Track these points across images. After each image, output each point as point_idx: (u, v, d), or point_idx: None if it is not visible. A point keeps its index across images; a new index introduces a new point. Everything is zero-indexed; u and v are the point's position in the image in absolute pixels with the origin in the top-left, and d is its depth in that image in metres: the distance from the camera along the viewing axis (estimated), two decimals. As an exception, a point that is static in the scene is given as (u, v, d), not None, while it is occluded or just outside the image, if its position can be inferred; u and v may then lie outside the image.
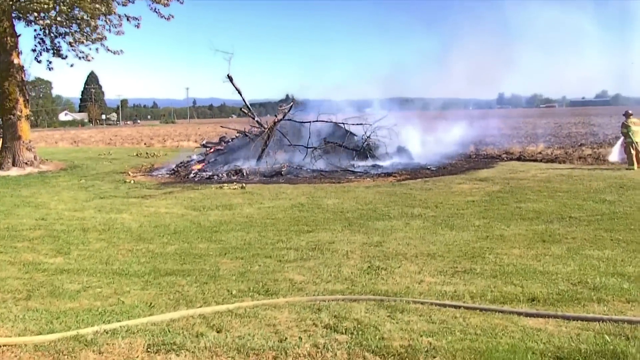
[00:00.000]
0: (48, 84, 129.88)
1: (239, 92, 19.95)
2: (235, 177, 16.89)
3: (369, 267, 7.00)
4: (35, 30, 22.59)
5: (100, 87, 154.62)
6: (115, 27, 20.63)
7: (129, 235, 9.35)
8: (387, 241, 8.44)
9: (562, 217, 9.99)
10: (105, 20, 20.87)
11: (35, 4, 16.70)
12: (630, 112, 18.27)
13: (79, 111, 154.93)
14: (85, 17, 20.01)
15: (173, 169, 19.10)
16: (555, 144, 27.56)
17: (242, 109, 20.86)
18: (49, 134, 67.72)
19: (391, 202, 12.10)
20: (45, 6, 16.85)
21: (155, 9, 20.21)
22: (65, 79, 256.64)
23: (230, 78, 19.14)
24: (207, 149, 21.35)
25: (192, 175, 17.67)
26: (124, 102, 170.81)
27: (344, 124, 19.50)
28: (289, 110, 19.37)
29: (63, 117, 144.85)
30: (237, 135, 21.08)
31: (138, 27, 20.90)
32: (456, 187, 14.07)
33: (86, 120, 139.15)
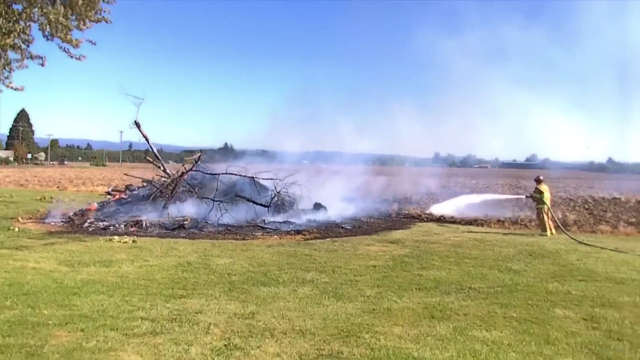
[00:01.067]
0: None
1: (146, 139, 18.89)
2: (133, 229, 15.62)
3: (225, 345, 6.05)
4: None
5: (30, 125, 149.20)
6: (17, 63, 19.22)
7: (-34, 295, 8.03)
8: (261, 312, 7.50)
9: (461, 287, 9.34)
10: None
11: None
12: (541, 177, 18.28)
13: (5, 149, 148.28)
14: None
15: (69, 217, 17.61)
16: (480, 207, 27.48)
17: (147, 157, 19.77)
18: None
19: (287, 264, 11.19)
20: None
21: (65, 48, 19.01)
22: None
23: (137, 124, 18.09)
24: (111, 196, 20.02)
25: (87, 224, 16.27)
26: (54, 142, 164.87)
27: (253, 177, 18.61)
28: (196, 161, 18.41)
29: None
30: (144, 184, 19.88)
31: (43, 65, 19.59)
32: (363, 249, 13.33)
33: (11, 159, 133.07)
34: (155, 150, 19.67)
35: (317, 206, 20.17)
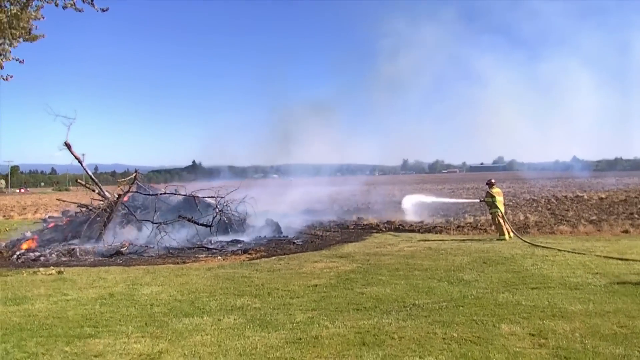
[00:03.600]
0: None
1: (79, 161, 17.80)
2: (65, 259, 14.54)
3: (111, 399, 5.12)
4: None
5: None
6: None
7: None
8: (171, 350, 6.60)
9: (404, 305, 8.58)
10: None
11: None
12: (493, 180, 17.75)
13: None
14: None
15: (-1, 249, 16.39)
16: (441, 212, 26.92)
17: (78, 180, 18.71)
18: None
19: (221, 289, 10.28)
20: None
21: None
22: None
23: (67, 145, 17.02)
24: (47, 224, 18.84)
25: (15, 256, 15.08)
26: (14, 168, 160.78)
27: (194, 196, 17.63)
28: (132, 183, 17.39)
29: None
30: (81, 209, 18.73)
31: None
32: (308, 267, 12.49)
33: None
34: (89, 172, 18.59)
35: (269, 222, 19.29)
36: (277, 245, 16.40)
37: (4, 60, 17.84)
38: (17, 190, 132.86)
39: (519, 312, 7.89)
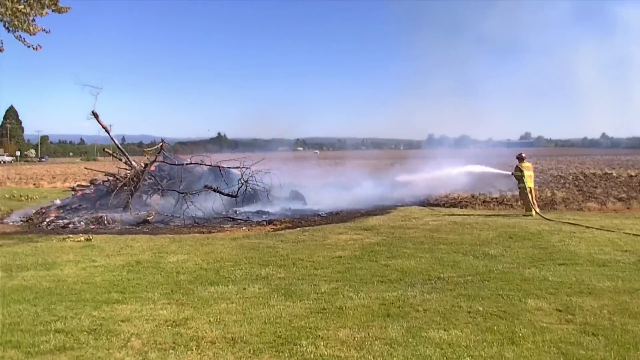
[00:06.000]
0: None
1: (107, 130, 17.99)
2: (93, 226, 14.78)
3: (137, 362, 5.21)
4: None
5: (19, 122, 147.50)
6: None
7: None
8: (196, 317, 6.67)
9: (429, 278, 8.53)
10: None
11: None
12: (523, 154, 17.40)
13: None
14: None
15: (29, 216, 16.71)
16: (468, 186, 26.58)
17: (105, 149, 18.93)
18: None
19: (246, 258, 10.36)
20: None
21: (20, 37, 18.10)
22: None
23: (95, 115, 17.16)
24: (75, 192, 19.12)
25: (45, 223, 15.39)
26: (44, 138, 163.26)
27: (219, 167, 17.70)
28: (159, 152, 17.51)
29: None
30: (108, 178, 18.95)
31: (1, 50, 18.66)
32: (333, 238, 12.50)
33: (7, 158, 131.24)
34: (116, 142, 18.80)
35: (295, 194, 19.32)
36: (302, 217, 16.43)
37: (32, 31, 18.03)
38: (44, 159, 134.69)
39: (545, 288, 7.79)
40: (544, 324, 6.18)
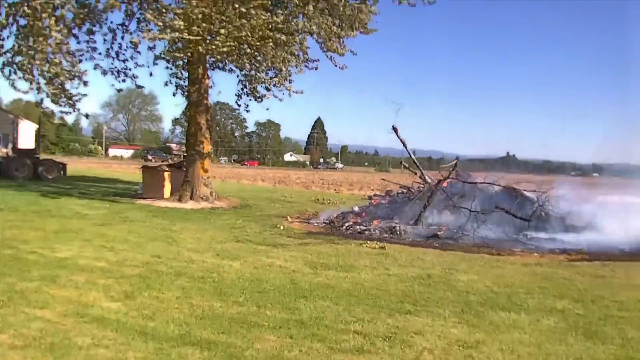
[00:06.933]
0: (277, 126, 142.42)
1: (404, 145, 18.79)
2: (387, 235, 15.61)
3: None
4: (237, 76, 24.30)
5: (324, 132, 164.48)
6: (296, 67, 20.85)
7: (213, 287, 8.68)
8: (488, 342, 6.58)
9: None
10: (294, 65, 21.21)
11: (215, 49, 17.49)
12: None
13: (304, 153, 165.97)
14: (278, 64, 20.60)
15: (331, 219, 18.44)
16: None
17: (402, 162, 19.68)
18: (260, 173, 73.51)
19: (539, 287, 9.83)
20: (226, 49, 17.52)
21: (330, 57, 20.26)
22: (295, 123, 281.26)
23: (395, 129, 18.12)
24: (372, 201, 20.43)
25: (344, 227, 16.80)
26: (344, 147, 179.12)
27: (513, 188, 17.07)
28: (453, 169, 17.64)
29: (288, 157, 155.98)
30: (402, 190, 19.80)
31: (316, 69, 21.10)
32: (639, 278, 11.13)
33: (307, 163, 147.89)
34: (413, 156, 19.56)
35: (590, 222, 17.70)
36: (600, 249, 14.96)
37: (340, 52, 19.99)
38: (339, 166, 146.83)
39: None
40: None
